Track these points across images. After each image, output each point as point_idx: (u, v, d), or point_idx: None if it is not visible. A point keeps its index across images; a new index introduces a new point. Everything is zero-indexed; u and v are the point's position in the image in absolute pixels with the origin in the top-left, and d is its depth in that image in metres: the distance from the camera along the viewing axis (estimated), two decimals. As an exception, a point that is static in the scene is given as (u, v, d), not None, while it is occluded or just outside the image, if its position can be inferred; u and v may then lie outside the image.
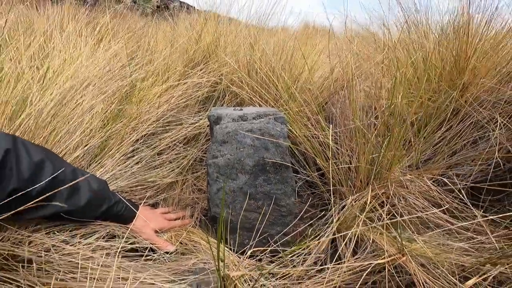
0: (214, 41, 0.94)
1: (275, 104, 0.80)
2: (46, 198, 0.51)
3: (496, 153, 0.72)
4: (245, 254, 0.67)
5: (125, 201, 0.65)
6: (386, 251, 0.62)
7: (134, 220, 0.67)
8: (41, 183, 0.51)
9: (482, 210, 0.79)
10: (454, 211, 0.78)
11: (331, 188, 0.73)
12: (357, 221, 0.69)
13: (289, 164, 0.66)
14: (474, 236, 0.64)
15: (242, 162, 0.63)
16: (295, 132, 0.78)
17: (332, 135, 0.75)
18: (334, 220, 0.72)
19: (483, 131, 0.81)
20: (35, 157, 0.52)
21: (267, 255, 0.69)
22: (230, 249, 0.70)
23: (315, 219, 0.84)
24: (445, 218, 0.74)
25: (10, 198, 0.48)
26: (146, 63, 0.83)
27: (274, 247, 0.69)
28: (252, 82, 0.77)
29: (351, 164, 0.80)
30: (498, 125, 0.77)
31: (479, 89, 0.80)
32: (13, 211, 0.48)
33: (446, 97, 0.79)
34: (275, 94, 0.81)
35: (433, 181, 0.83)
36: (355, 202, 0.77)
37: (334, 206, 0.76)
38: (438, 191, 0.78)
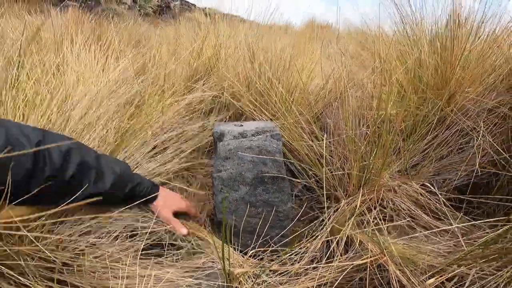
0: (215, 54, 1.03)
1: (273, 117, 0.90)
2: (77, 183, 0.60)
3: (477, 160, 0.82)
4: (248, 254, 0.80)
5: (147, 181, 0.73)
6: (371, 251, 0.75)
7: (155, 201, 0.74)
8: (72, 170, 0.58)
9: (463, 212, 0.90)
10: (439, 213, 0.89)
11: (325, 193, 0.85)
12: (348, 223, 0.81)
13: (285, 176, 0.77)
14: (449, 238, 0.76)
15: (243, 175, 0.75)
16: (292, 143, 0.89)
17: (326, 145, 0.86)
18: (327, 223, 0.85)
19: (468, 137, 0.91)
20: (64, 147, 0.59)
21: (268, 254, 0.82)
22: (235, 248, 0.83)
23: (312, 220, 0.96)
24: (430, 221, 0.85)
25: (47, 184, 0.55)
26: (153, 79, 0.94)
27: (274, 247, 0.82)
28: (251, 97, 0.87)
29: (344, 170, 0.91)
30: (481, 133, 0.87)
31: (464, 98, 0.89)
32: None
33: (432, 106, 0.88)
34: (273, 107, 0.91)
35: (421, 185, 0.95)
36: (347, 205, 0.89)
37: (328, 210, 0.88)
38: (424, 194, 0.89)
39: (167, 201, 0.76)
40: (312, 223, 0.93)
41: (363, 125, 0.91)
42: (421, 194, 0.90)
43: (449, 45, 0.93)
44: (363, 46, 1.29)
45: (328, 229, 0.85)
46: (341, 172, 0.89)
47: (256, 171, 0.75)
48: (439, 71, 0.88)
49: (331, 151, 0.92)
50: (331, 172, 0.89)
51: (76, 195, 0.60)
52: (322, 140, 0.88)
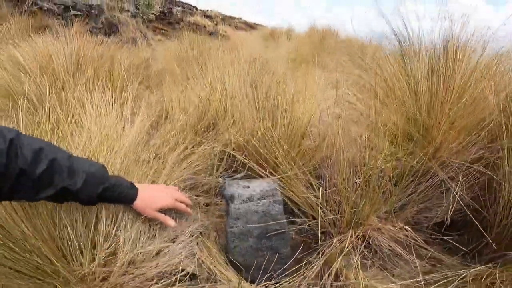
0: (223, 104, 1.16)
1: (275, 171, 1.09)
2: (49, 179, 0.65)
3: (451, 210, 1.02)
4: (256, 284, 1.06)
5: (125, 184, 0.80)
6: (353, 285, 1.00)
7: (135, 202, 0.82)
8: (43, 166, 0.64)
9: (437, 246, 1.13)
10: (418, 249, 1.11)
11: (319, 233, 1.07)
12: (337, 260, 1.05)
13: (286, 230, 0.99)
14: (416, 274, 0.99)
15: (251, 231, 0.97)
16: (293, 194, 1.09)
17: (322, 195, 1.06)
18: (321, 257, 1.09)
19: (448, 185, 1.09)
20: (36, 145, 0.65)
21: (272, 284, 1.08)
22: (245, 279, 1.09)
23: (312, 252, 1.21)
24: (407, 257, 1.08)
25: (19, 179, 0.60)
26: (167, 133, 1.12)
27: (277, 279, 1.07)
28: (254, 150, 1.04)
29: (337, 213, 1.12)
30: (459, 183, 1.04)
31: (448, 153, 1.04)
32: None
33: (418, 160, 1.05)
34: (275, 161, 1.09)
35: (406, 222, 1.15)
36: (338, 243, 1.11)
37: (322, 245, 1.11)
38: (405, 232, 1.11)
39: (149, 201, 0.83)
40: (312, 253, 1.17)
41: (355, 174, 1.09)
42: (402, 232, 1.11)
43: (439, 96, 1.06)
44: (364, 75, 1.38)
45: (321, 262, 1.09)
46: (334, 216, 1.10)
47: (262, 228, 0.97)
48: (427, 128, 1.02)
49: (328, 196, 1.12)
50: (326, 216, 1.11)
51: (50, 192, 0.65)
52: (319, 189, 1.08)
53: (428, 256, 1.12)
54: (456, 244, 1.16)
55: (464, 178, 1.05)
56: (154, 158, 1.03)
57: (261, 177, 1.08)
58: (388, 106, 1.18)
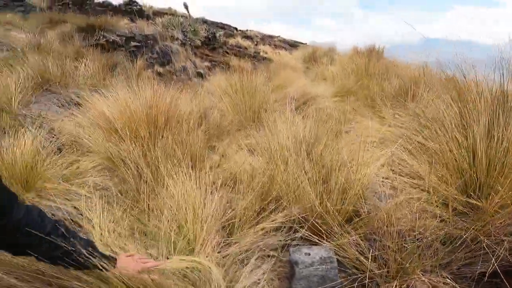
0: (285, 182, 1.42)
1: (329, 237, 1.39)
2: (52, 238, 0.91)
3: (489, 269, 1.24)
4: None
5: (106, 256, 1.08)
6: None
7: (121, 265, 1.10)
8: (48, 227, 0.93)
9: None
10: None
11: (367, 281, 1.39)
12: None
13: (340, 286, 1.33)
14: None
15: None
16: (345, 254, 1.40)
17: (372, 257, 1.35)
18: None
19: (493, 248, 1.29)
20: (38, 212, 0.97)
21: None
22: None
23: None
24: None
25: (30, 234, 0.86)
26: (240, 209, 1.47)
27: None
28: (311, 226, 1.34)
29: (385, 267, 1.41)
30: (504, 248, 1.24)
31: (495, 227, 1.22)
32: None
33: (466, 230, 1.25)
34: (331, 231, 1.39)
35: (450, 273, 1.40)
36: (385, 291, 1.43)
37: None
38: (446, 282, 1.36)
39: (130, 265, 1.13)
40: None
41: (404, 240, 1.35)
42: (443, 283, 1.37)
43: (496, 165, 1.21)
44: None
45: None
46: (381, 271, 1.40)
47: (321, 287, 1.32)
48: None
49: (376, 255, 1.41)
50: (374, 271, 1.41)
51: (52, 252, 0.93)
52: (368, 250, 1.37)
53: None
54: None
55: (509, 244, 1.24)
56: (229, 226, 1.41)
57: (318, 242, 1.40)
58: (441, 171, 1.35)
